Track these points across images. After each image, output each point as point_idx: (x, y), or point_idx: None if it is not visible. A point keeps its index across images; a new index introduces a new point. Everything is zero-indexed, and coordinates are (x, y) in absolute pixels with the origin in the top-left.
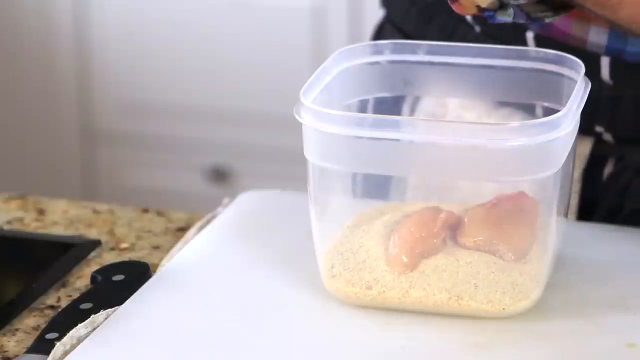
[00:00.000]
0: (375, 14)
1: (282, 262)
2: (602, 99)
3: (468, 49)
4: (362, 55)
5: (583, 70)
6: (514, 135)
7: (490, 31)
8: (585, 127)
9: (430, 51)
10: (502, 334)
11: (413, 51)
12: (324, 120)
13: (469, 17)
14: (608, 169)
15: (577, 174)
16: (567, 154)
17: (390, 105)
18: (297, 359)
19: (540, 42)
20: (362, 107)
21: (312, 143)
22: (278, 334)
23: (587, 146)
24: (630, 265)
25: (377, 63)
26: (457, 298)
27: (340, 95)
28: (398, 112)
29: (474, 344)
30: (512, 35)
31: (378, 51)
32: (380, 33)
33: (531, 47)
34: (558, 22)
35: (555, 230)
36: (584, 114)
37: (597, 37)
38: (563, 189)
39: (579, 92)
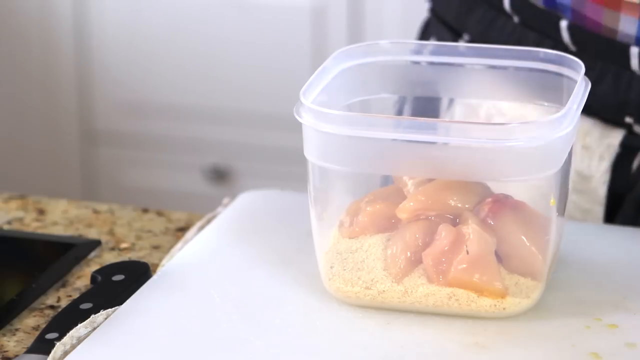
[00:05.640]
0: (375, 14)
1: (282, 262)
2: (633, 90)
3: (468, 49)
4: (362, 55)
5: (583, 70)
6: (514, 135)
7: (528, 21)
8: (616, 119)
9: (431, 51)
10: (502, 334)
11: (413, 51)
12: (324, 120)
13: (507, 7)
14: (638, 161)
15: (607, 165)
16: (567, 154)
17: (425, 105)
18: (297, 359)
19: (573, 31)
20: (399, 107)
21: (312, 143)
22: (278, 334)
23: (617, 137)
24: (630, 265)
25: (377, 63)
26: (457, 298)
27: (340, 95)
28: (434, 113)
29: (474, 344)
30: (547, 24)
31: (378, 51)
32: (426, 29)
33: (531, 48)
34: (590, 10)
35: (555, 230)
36: (615, 105)
37: (627, 26)
38: (563, 189)
39: (579, 92)
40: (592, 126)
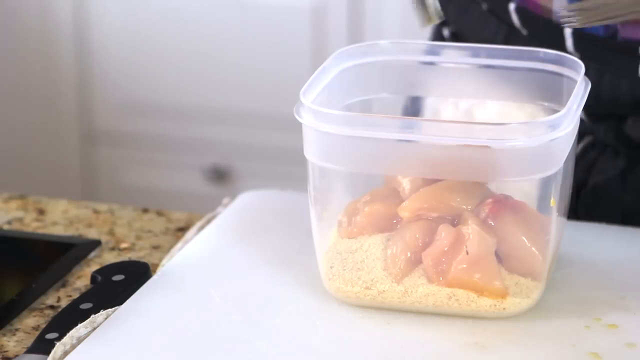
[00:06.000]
0: (375, 14)
1: (282, 262)
2: None
3: (468, 49)
4: (362, 55)
5: (583, 70)
6: (514, 135)
7: (490, 7)
8: None
9: (431, 51)
10: (502, 334)
11: (413, 51)
12: (324, 120)
13: None
14: (581, 145)
15: None
16: (567, 154)
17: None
18: (297, 358)
19: (521, 14)
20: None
21: (312, 143)
22: (278, 334)
23: None
24: (630, 265)
25: (377, 63)
26: (457, 298)
27: (340, 95)
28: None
29: (474, 344)
30: (501, 9)
31: (378, 51)
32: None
33: (531, 48)
34: None
35: (555, 230)
36: None
37: (559, 5)
38: (563, 189)
39: (579, 92)
40: (538, 111)
